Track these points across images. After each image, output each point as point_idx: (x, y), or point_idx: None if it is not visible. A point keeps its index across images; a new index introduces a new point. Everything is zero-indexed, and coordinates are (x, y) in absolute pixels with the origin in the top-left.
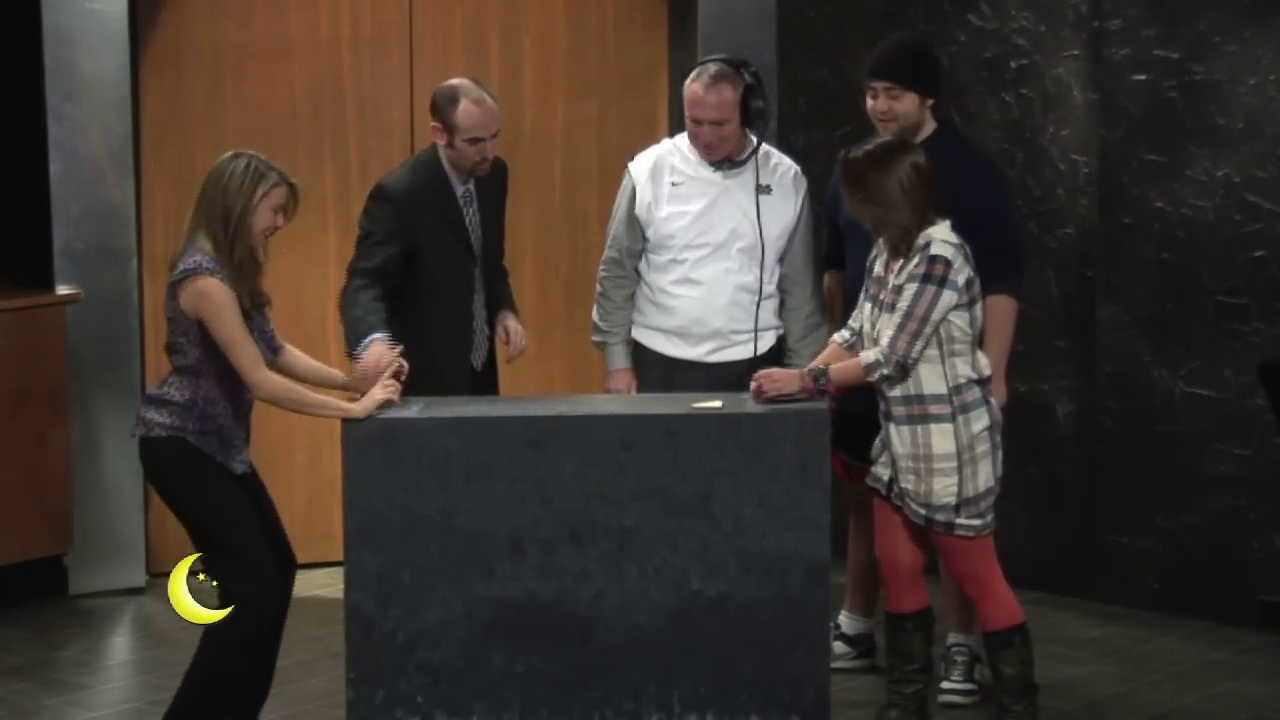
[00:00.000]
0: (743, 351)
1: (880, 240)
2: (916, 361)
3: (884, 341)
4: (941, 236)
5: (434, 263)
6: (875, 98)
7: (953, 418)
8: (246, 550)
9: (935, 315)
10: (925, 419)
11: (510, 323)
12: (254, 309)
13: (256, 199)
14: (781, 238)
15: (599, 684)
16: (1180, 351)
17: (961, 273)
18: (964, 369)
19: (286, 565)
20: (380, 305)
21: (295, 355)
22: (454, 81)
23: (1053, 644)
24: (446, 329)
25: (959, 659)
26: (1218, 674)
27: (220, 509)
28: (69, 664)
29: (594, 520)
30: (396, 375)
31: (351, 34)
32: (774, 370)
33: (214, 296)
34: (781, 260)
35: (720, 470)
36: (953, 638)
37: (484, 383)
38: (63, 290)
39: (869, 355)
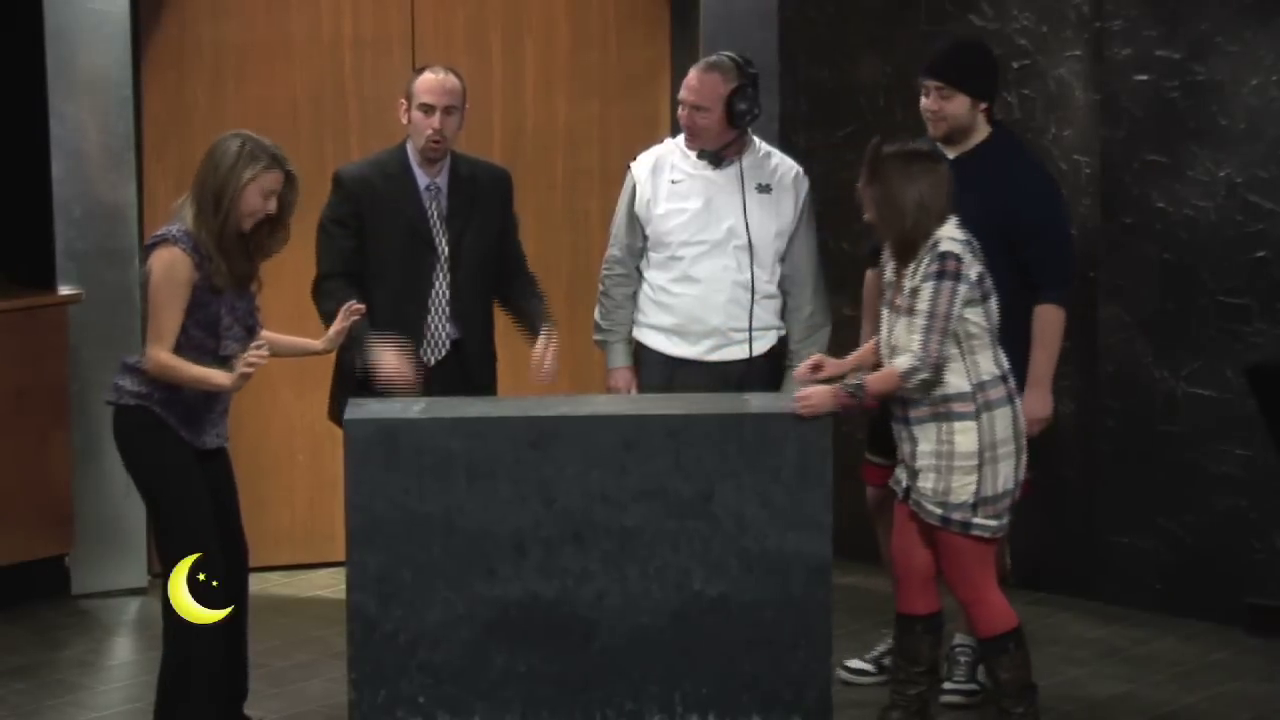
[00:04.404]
0: (743, 351)
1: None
2: (947, 360)
3: (914, 346)
4: (948, 234)
5: (385, 251)
6: (927, 95)
7: (976, 415)
8: (192, 533)
9: (955, 310)
10: (949, 416)
11: (539, 347)
12: (231, 289)
13: (244, 181)
14: (780, 237)
15: (601, 684)
16: (1182, 352)
17: (972, 267)
18: (986, 364)
19: (238, 554)
20: (352, 292)
21: (271, 336)
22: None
23: (1054, 644)
24: (395, 319)
25: (962, 659)
26: (1219, 674)
27: (172, 487)
28: (71, 664)
29: (596, 520)
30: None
31: (353, 34)
32: (809, 391)
33: (162, 264)
34: (783, 260)
35: (722, 470)
36: (958, 638)
37: (437, 378)
38: (64, 290)
39: (903, 362)
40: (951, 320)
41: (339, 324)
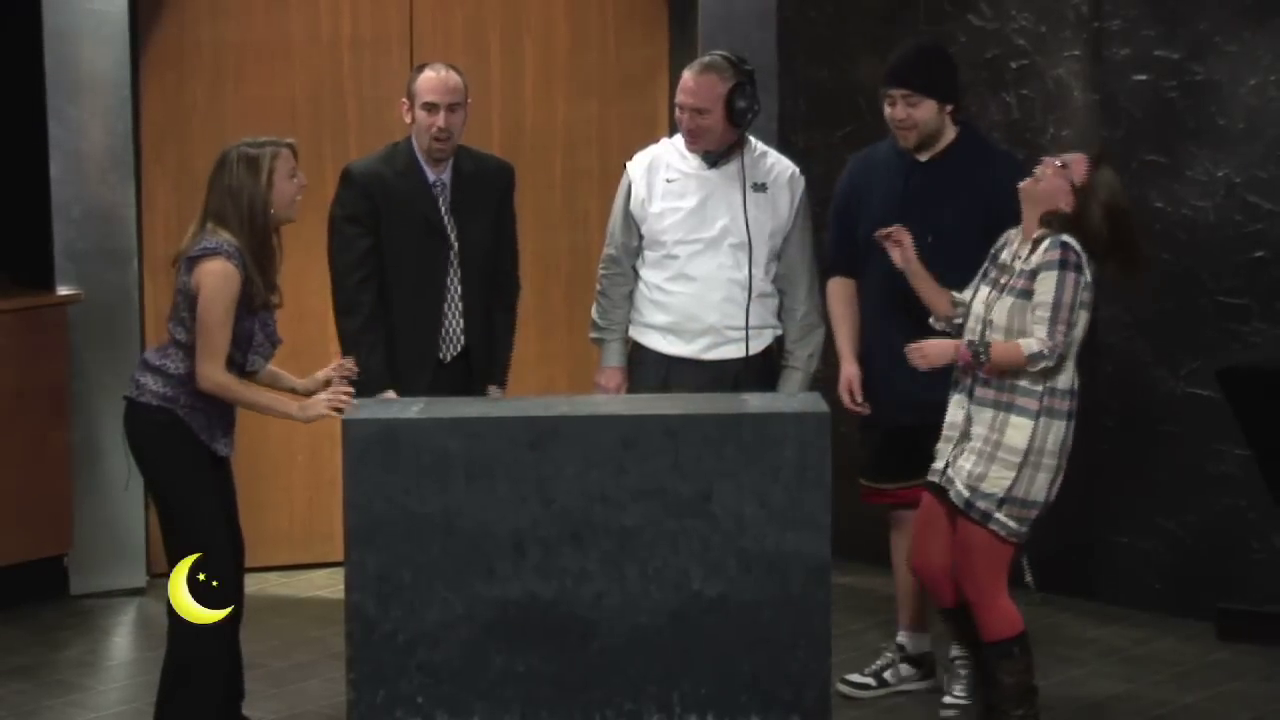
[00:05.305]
0: (739, 349)
1: (1015, 233)
2: (1070, 350)
3: (1040, 334)
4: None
5: (400, 247)
6: (893, 105)
7: (1036, 416)
8: (203, 534)
9: (1080, 301)
10: (1010, 408)
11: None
12: (264, 307)
13: (263, 180)
14: (775, 236)
15: (599, 684)
16: (1181, 352)
17: (1088, 270)
18: (1065, 375)
19: (236, 556)
20: (370, 310)
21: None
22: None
23: (1054, 644)
24: (412, 315)
25: (962, 672)
26: (1219, 674)
27: (188, 491)
28: (70, 664)
29: (594, 520)
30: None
31: (352, 34)
32: (925, 343)
33: (216, 277)
34: (777, 260)
35: (721, 470)
36: (956, 649)
37: (450, 377)
38: (63, 291)
39: (1031, 345)
40: (1076, 311)
41: (326, 373)
